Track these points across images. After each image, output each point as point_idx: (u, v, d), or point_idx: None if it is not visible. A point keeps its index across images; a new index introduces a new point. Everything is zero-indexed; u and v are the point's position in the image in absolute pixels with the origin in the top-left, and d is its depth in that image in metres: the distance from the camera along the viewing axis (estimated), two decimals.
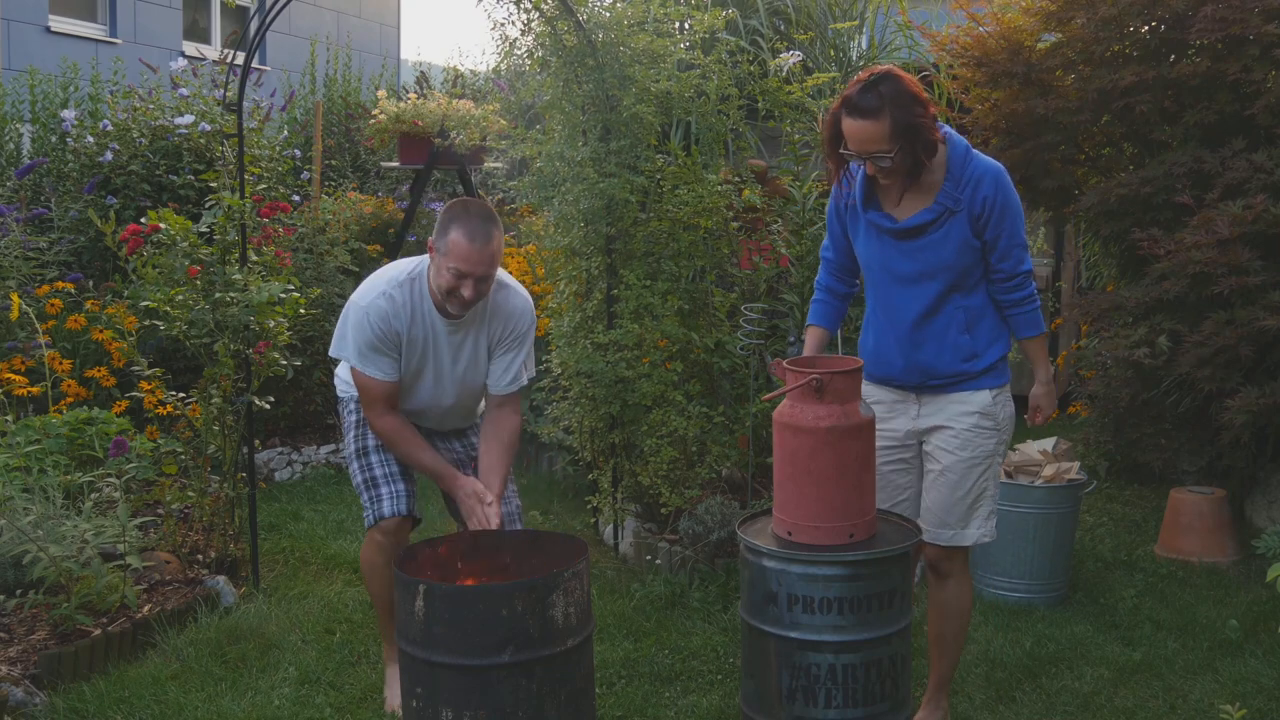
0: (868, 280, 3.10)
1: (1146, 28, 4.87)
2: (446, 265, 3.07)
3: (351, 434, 3.40)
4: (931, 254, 2.92)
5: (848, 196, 3.03)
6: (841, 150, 2.89)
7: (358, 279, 6.50)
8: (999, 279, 2.96)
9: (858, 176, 2.98)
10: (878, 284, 3.05)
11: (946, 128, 2.94)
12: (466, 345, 3.30)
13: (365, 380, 3.22)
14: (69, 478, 4.04)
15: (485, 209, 3.14)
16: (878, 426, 2.96)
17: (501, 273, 3.27)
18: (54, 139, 7.13)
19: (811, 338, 3.21)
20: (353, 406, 3.41)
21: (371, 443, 3.35)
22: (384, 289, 3.19)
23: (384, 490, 3.29)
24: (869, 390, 3.09)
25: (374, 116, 7.08)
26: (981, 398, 2.98)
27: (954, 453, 2.99)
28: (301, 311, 4.30)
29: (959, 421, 2.98)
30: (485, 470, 3.30)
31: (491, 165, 7.26)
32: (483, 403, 3.51)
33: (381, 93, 7.51)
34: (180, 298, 4.11)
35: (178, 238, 4.14)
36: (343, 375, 3.44)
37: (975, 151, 2.94)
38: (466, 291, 3.08)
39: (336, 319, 3.33)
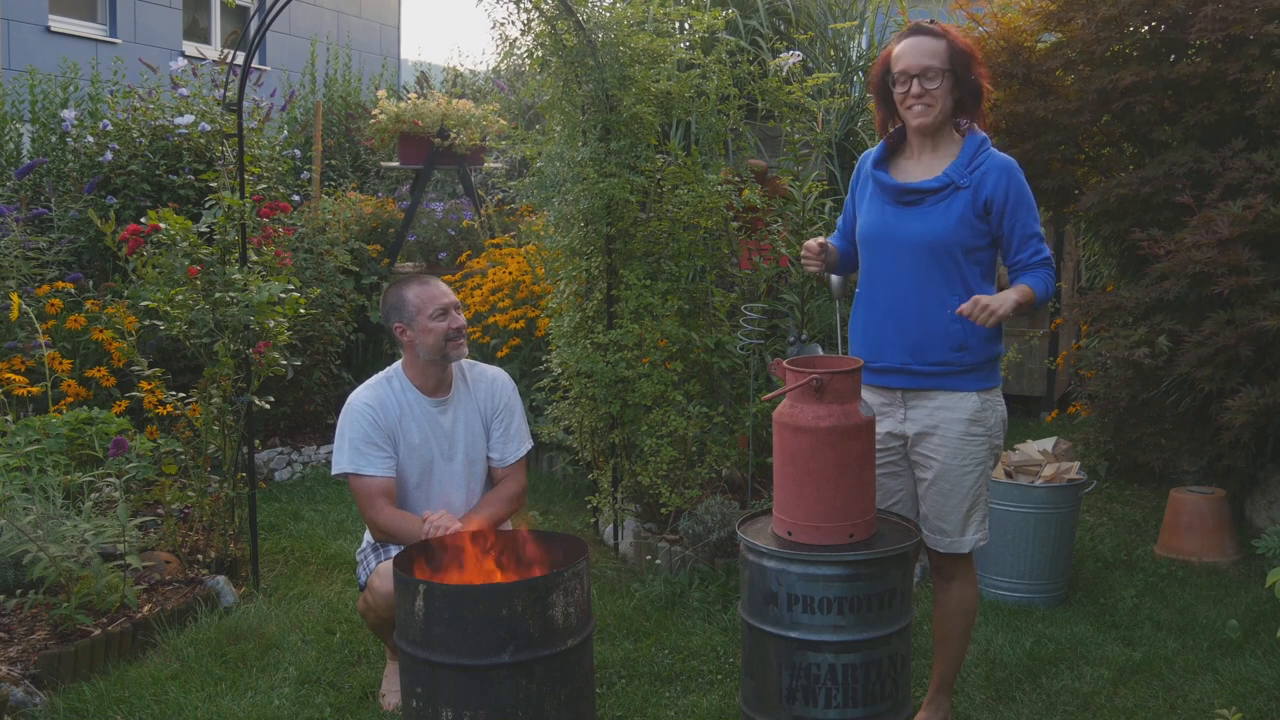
0: (864, 258, 3.07)
1: (1146, 28, 4.87)
2: (426, 315, 3.30)
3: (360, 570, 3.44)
4: (933, 222, 2.92)
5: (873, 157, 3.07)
6: (887, 76, 2.97)
7: (358, 279, 6.52)
8: (1017, 268, 2.97)
9: (880, 145, 3.04)
10: (875, 256, 3.02)
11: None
12: (459, 423, 3.43)
13: (364, 482, 3.29)
14: (69, 478, 4.03)
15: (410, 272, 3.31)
16: None
17: (466, 360, 3.50)
18: (54, 139, 7.13)
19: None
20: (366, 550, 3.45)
21: (373, 564, 3.36)
22: (367, 387, 3.41)
23: (379, 555, 3.34)
24: None
25: (374, 116, 7.10)
26: (969, 403, 2.95)
27: (944, 461, 2.96)
28: (301, 311, 4.30)
29: (948, 429, 2.95)
30: (478, 507, 3.42)
31: (491, 165, 7.28)
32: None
33: (381, 93, 7.53)
34: (180, 298, 4.11)
35: (178, 238, 4.15)
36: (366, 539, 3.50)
37: (992, 148, 2.99)
38: (457, 323, 3.35)
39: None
